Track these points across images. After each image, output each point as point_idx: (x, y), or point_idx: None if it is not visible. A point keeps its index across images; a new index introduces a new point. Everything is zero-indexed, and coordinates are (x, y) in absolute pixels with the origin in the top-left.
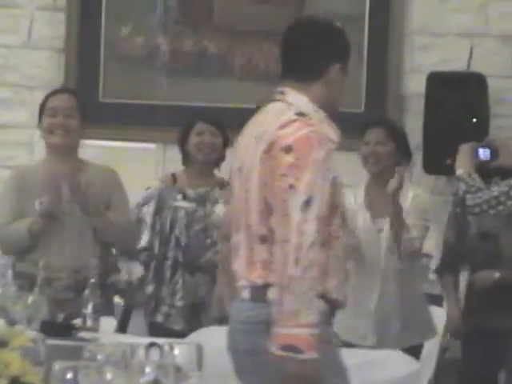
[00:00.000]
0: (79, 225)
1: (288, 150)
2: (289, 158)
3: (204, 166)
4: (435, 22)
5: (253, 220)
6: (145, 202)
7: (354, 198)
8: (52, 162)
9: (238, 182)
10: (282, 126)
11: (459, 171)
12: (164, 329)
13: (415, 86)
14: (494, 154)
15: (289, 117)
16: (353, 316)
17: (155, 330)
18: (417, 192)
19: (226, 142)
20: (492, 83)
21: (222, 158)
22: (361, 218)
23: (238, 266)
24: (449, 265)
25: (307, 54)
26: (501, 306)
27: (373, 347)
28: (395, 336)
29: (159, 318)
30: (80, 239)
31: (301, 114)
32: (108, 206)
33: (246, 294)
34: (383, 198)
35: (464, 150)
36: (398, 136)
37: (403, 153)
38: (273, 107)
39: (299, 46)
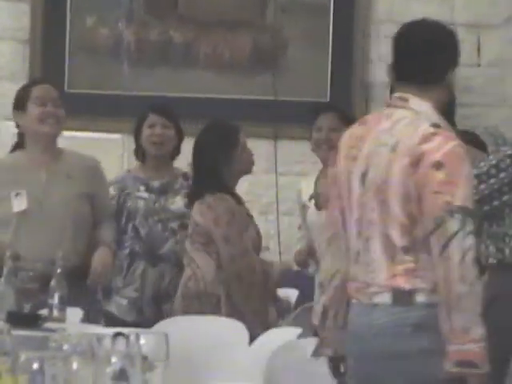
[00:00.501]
0: (58, 216)
1: (438, 166)
2: (440, 175)
3: (158, 160)
4: (401, 11)
5: (393, 232)
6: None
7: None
8: (34, 152)
9: (360, 187)
10: (424, 140)
11: None
12: (117, 319)
13: (381, 74)
14: None
15: (426, 129)
16: None
17: (109, 320)
18: None
19: (180, 134)
20: (457, 72)
21: (176, 151)
22: (311, 213)
23: (368, 272)
24: None
25: (432, 57)
26: None
27: None
28: None
29: (112, 308)
30: (57, 229)
31: (436, 126)
32: (92, 198)
33: (385, 298)
34: None
35: None
36: (349, 122)
37: None
38: (399, 115)
39: (423, 49)
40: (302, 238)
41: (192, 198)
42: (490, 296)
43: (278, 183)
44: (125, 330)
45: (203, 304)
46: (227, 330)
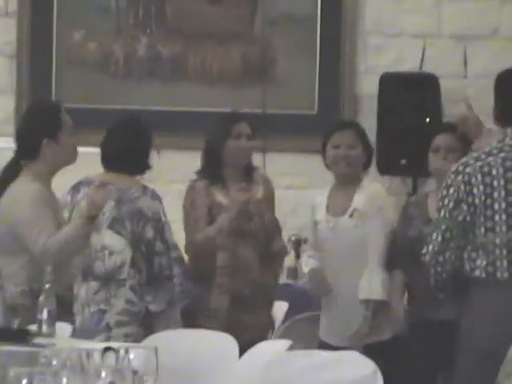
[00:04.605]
0: None
1: None
2: None
3: None
4: (388, 23)
5: None
6: None
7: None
8: None
9: None
10: None
11: None
12: None
13: (369, 86)
14: None
15: None
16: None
17: None
18: (371, 191)
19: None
20: (444, 84)
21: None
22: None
23: None
24: (398, 259)
25: None
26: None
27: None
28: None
29: None
30: None
31: None
32: None
33: None
34: (342, 198)
35: None
36: (365, 138)
37: (368, 155)
38: None
39: None
40: (311, 257)
41: None
42: (477, 312)
43: None
44: (114, 345)
45: None
46: (217, 343)
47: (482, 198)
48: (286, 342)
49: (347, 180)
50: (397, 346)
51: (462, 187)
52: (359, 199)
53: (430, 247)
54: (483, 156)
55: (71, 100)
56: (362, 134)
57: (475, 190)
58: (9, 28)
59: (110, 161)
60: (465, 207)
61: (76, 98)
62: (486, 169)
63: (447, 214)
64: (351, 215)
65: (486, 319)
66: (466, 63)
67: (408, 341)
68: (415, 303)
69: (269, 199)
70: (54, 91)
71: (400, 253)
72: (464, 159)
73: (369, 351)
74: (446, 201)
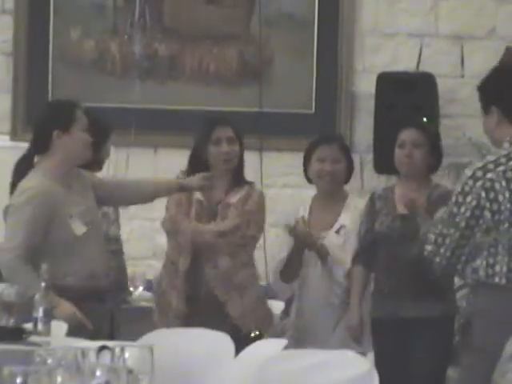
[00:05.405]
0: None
1: None
2: None
3: None
4: (385, 22)
5: None
6: None
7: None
8: None
9: None
10: None
11: None
12: None
13: (366, 86)
14: None
15: None
16: None
17: None
18: (358, 208)
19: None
20: (441, 83)
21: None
22: None
23: None
24: (361, 254)
25: None
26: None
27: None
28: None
29: None
30: None
31: None
32: None
33: None
34: (326, 213)
35: None
36: (348, 152)
37: (349, 169)
38: None
39: None
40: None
41: None
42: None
43: None
44: (110, 344)
45: None
46: (212, 342)
47: (508, 205)
48: (282, 342)
49: (331, 195)
50: None
51: (484, 194)
52: (346, 216)
53: (442, 250)
54: (503, 160)
55: (67, 98)
56: (345, 148)
57: (500, 197)
58: (5, 26)
59: None
60: (488, 214)
61: (72, 96)
62: (509, 174)
63: (463, 223)
64: (337, 231)
65: (503, 326)
66: (462, 63)
67: (373, 337)
68: (380, 300)
69: (250, 210)
70: (50, 89)
71: (366, 248)
72: (479, 164)
73: None
74: (463, 209)
